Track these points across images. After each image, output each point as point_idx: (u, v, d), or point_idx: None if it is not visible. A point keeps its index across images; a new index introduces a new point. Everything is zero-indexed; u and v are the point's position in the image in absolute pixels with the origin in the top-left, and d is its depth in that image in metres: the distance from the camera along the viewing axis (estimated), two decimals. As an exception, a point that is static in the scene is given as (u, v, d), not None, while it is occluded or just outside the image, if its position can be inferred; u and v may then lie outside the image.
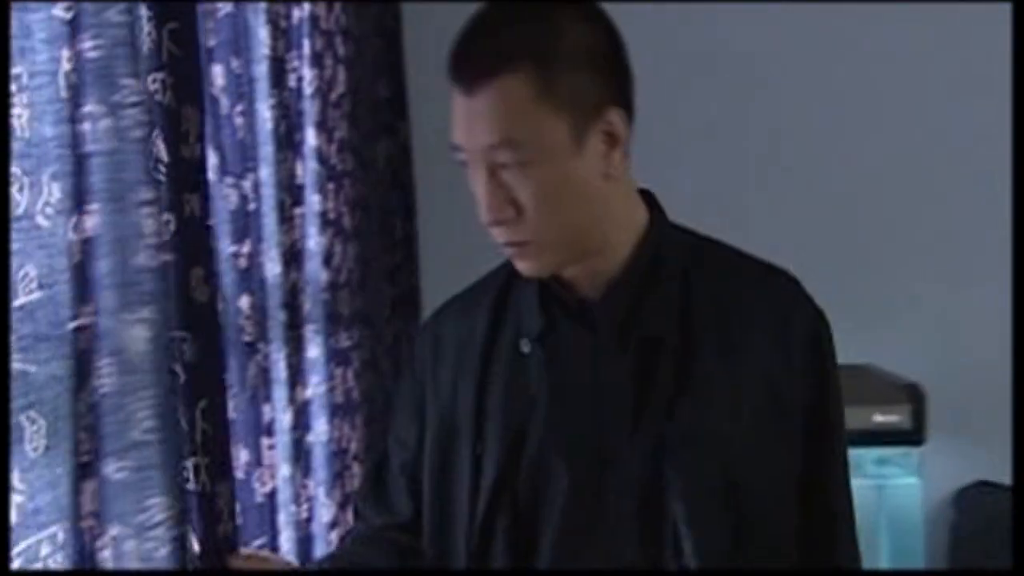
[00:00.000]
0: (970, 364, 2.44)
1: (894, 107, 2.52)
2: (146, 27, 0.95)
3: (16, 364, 0.85)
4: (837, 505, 1.08)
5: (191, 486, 0.98)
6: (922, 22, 2.47)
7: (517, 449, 1.04)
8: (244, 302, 1.32)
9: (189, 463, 0.97)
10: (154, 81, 0.95)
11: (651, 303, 1.04)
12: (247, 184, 1.35)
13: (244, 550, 1.15)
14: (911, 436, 2.07)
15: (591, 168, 0.99)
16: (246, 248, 1.33)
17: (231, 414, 1.24)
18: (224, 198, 1.28)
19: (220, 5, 1.27)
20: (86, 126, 0.92)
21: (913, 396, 2.07)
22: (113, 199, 0.94)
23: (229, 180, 1.29)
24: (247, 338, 1.34)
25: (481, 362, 1.08)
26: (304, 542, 1.74)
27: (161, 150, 0.94)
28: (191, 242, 0.96)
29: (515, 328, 1.08)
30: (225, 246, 1.29)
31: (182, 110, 0.97)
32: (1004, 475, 2.41)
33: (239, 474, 1.31)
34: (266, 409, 1.45)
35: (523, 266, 1.03)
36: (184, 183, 0.96)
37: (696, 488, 1.01)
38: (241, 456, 1.31)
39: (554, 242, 1.01)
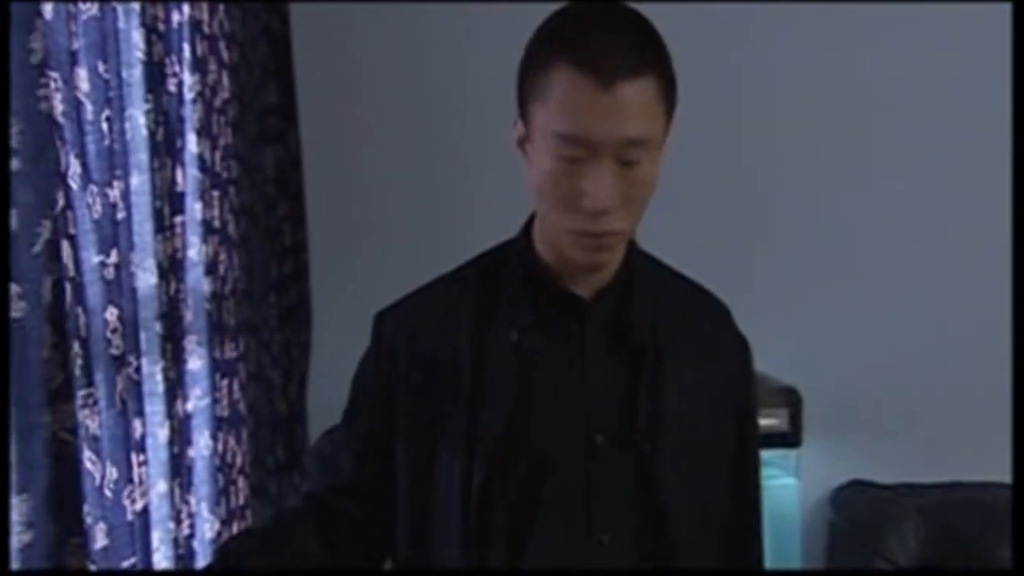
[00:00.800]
0: (843, 368, 2.54)
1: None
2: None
3: None
4: (755, 500, 1.25)
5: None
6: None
7: (513, 435, 1.10)
8: (112, 314, 1.28)
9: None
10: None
11: (633, 310, 1.15)
12: (115, 192, 1.31)
13: None
14: (788, 438, 2.14)
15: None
16: (113, 258, 1.29)
17: (97, 430, 1.20)
18: (88, 207, 1.23)
19: (84, 7, 1.23)
20: None
21: (790, 400, 2.14)
22: None
23: (94, 189, 1.24)
24: (115, 351, 1.29)
25: (472, 349, 1.12)
26: (185, 559, 1.69)
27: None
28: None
29: (505, 319, 1.13)
30: (90, 256, 1.24)
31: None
32: (876, 474, 2.52)
33: (107, 492, 1.26)
34: (137, 424, 1.40)
35: (592, 257, 1.10)
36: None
37: (677, 476, 1.13)
38: (110, 474, 1.26)
39: (625, 237, 1.11)
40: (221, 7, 1.95)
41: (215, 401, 1.90)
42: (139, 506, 1.40)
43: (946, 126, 2.59)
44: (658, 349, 1.14)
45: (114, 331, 1.27)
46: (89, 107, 1.23)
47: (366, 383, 1.21)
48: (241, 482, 2.01)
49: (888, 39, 2.58)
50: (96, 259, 1.24)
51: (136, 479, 1.37)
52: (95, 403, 1.21)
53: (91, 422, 1.19)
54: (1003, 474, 2.47)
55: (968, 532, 2.30)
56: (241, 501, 2.01)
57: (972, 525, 2.31)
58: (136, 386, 1.43)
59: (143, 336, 1.50)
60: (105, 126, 1.26)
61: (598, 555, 1.10)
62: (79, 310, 1.17)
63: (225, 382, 1.95)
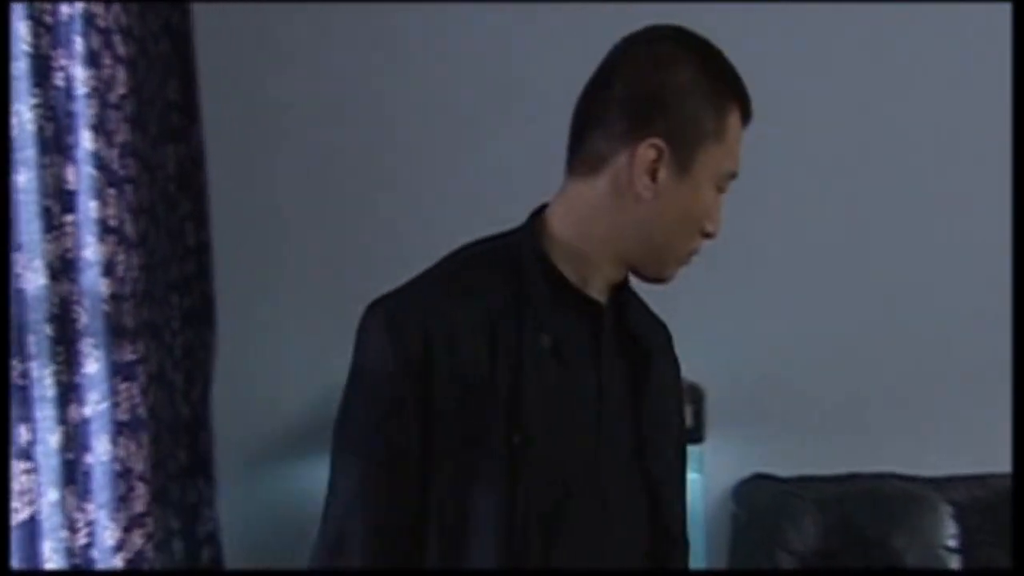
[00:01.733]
0: (743, 365, 2.59)
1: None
2: None
3: None
4: (685, 488, 1.35)
5: None
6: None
7: (551, 442, 1.11)
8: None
9: None
10: None
11: (630, 316, 1.22)
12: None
13: None
14: (692, 434, 2.18)
15: None
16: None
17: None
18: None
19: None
20: None
21: (693, 396, 2.18)
22: None
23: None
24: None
25: (509, 355, 1.10)
26: (82, 568, 1.64)
27: None
28: None
29: (531, 322, 1.12)
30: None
31: None
32: (777, 468, 2.59)
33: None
34: (23, 430, 1.35)
35: (674, 273, 1.21)
36: None
37: (665, 473, 1.22)
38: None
39: None
40: (117, 1, 1.90)
41: (115, 405, 1.85)
42: (24, 515, 1.35)
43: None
44: (652, 354, 1.22)
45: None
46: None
47: (395, 395, 1.09)
48: (142, 488, 1.96)
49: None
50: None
51: (20, 487, 1.33)
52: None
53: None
54: (897, 465, 2.57)
55: (864, 523, 2.37)
56: (142, 508, 1.96)
57: (868, 516, 2.39)
58: (22, 391, 1.38)
59: (31, 339, 1.45)
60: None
61: (613, 550, 1.17)
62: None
63: (124, 385, 1.90)
